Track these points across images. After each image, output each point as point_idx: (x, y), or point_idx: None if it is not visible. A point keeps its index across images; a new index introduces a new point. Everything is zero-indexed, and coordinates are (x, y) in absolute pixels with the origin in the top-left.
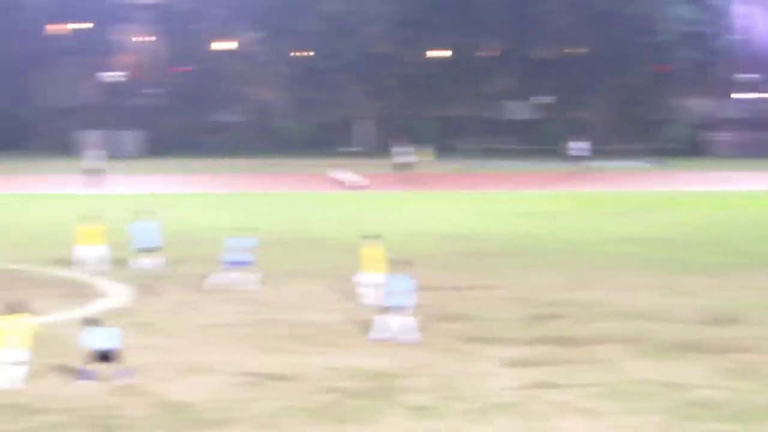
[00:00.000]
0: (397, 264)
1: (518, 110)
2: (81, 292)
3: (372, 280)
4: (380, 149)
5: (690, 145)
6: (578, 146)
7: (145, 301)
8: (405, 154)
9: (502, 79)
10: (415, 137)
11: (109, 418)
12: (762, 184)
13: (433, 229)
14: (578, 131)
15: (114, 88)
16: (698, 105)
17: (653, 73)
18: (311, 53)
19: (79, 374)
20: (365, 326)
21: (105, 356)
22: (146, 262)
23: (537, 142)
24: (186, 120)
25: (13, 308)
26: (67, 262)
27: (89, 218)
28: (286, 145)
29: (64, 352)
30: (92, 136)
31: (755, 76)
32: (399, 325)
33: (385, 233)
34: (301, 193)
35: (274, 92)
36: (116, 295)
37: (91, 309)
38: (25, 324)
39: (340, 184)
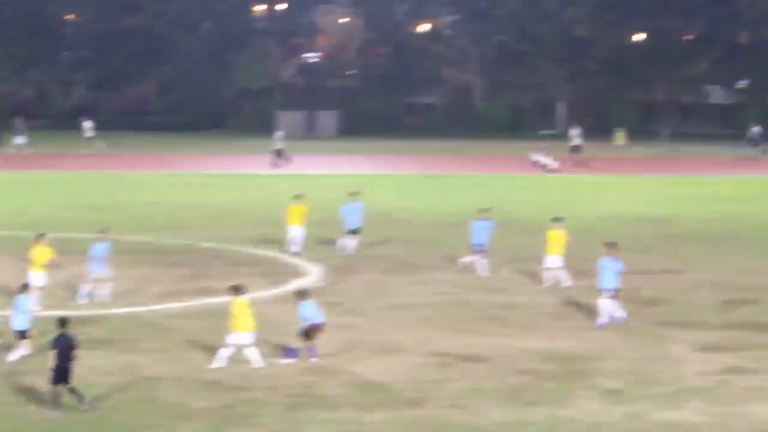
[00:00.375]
0: (610, 247)
1: (716, 95)
2: (277, 271)
3: (557, 263)
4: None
5: None
6: (756, 131)
7: (340, 281)
8: (577, 137)
9: (700, 63)
10: (612, 121)
11: (305, 396)
12: None
13: (625, 213)
14: None
15: (312, 68)
16: None
17: None
18: (509, 36)
19: (284, 353)
20: (558, 309)
21: (309, 331)
22: (350, 242)
23: (734, 126)
24: (383, 101)
25: (239, 290)
26: (262, 241)
27: (296, 198)
28: (483, 127)
29: (264, 330)
30: (290, 116)
31: None
32: (611, 307)
33: (578, 217)
34: (497, 174)
35: (472, 74)
36: (312, 274)
37: (288, 288)
38: (247, 305)
39: (538, 166)
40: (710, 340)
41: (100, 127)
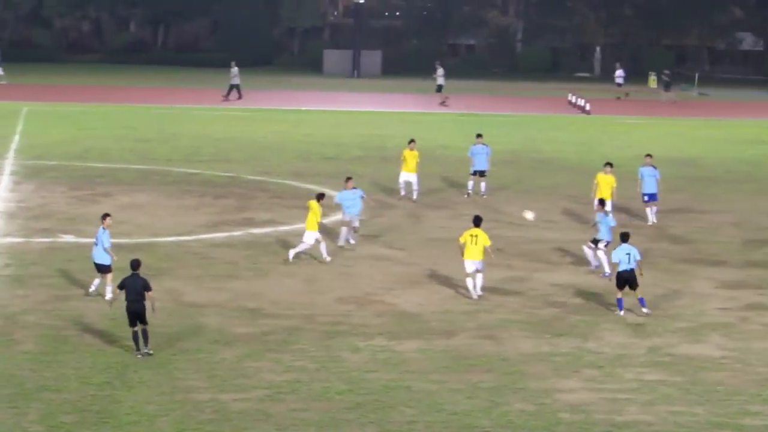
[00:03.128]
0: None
1: (748, 41)
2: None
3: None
4: (610, 75)
5: None
6: None
7: (377, 215)
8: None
9: (733, 11)
10: (647, 64)
11: (341, 325)
12: None
13: (658, 154)
14: None
15: (358, 9)
16: None
17: None
18: None
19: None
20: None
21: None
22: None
23: (765, 72)
24: (425, 42)
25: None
26: (305, 174)
27: (410, 142)
28: (522, 69)
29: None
30: (336, 55)
31: None
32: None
33: (610, 156)
34: (534, 115)
35: (513, 17)
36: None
37: (329, 220)
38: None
39: (575, 107)
40: (732, 278)
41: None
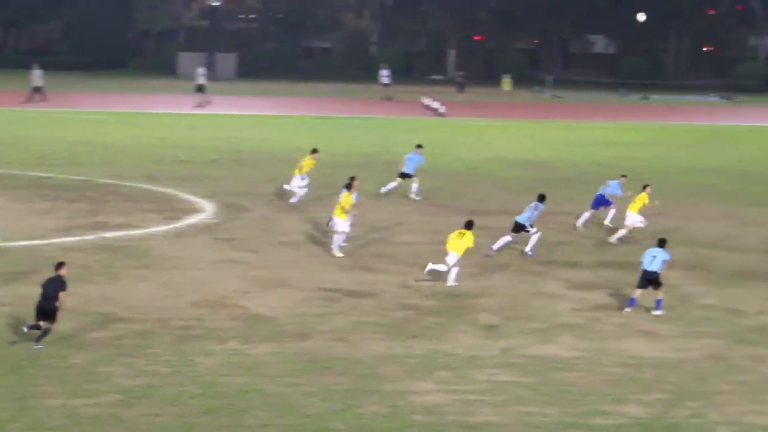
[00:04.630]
0: None
1: (601, 44)
2: (172, 207)
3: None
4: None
5: (764, 82)
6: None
7: (232, 218)
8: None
9: (585, 14)
10: (500, 67)
11: (194, 329)
12: None
13: (511, 156)
14: (655, 66)
15: (214, 11)
16: None
17: (733, 10)
18: None
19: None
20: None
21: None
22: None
23: (617, 75)
24: (281, 45)
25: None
26: (159, 178)
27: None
28: (377, 72)
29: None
30: (190, 58)
31: None
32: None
33: (464, 158)
34: (389, 117)
35: (368, 20)
36: (205, 211)
37: (183, 223)
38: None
39: (429, 110)
40: (584, 279)
41: (5, 65)
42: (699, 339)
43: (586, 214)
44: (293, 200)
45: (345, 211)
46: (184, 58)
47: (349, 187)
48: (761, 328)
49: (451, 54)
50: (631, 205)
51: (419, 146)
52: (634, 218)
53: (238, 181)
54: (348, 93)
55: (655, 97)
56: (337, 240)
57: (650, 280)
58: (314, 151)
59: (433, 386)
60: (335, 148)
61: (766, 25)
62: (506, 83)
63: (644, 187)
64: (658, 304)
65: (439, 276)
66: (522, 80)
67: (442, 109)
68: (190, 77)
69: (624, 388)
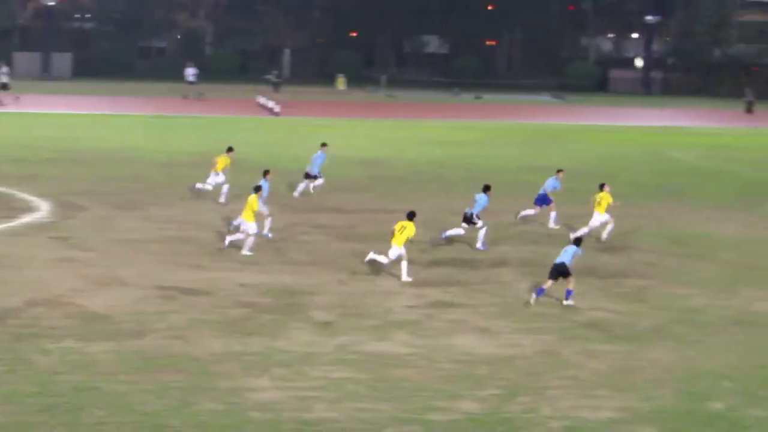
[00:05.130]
0: None
1: (434, 44)
2: (7, 206)
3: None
4: (299, 78)
5: (595, 82)
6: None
7: (68, 216)
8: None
9: (420, 13)
10: (334, 67)
11: (30, 327)
12: (655, 119)
13: (346, 155)
14: (488, 66)
15: (49, 11)
16: (605, 44)
17: (565, 11)
18: None
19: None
20: (280, 245)
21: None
22: (301, 185)
23: (450, 75)
24: (117, 45)
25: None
26: None
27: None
28: (213, 72)
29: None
30: (25, 57)
31: (657, 17)
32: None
33: (300, 157)
34: (224, 116)
35: (203, 20)
36: (41, 210)
37: (18, 222)
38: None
39: (264, 109)
40: (419, 276)
41: None
42: (532, 335)
43: (530, 211)
44: (222, 200)
45: (254, 213)
46: (19, 58)
47: (257, 189)
48: (593, 323)
49: (286, 53)
50: (597, 207)
51: (324, 144)
52: (598, 218)
53: (74, 181)
54: (183, 93)
55: (488, 97)
56: (248, 242)
57: (560, 271)
58: (229, 149)
59: (269, 383)
60: (171, 147)
61: (596, 26)
62: (340, 82)
63: (602, 187)
64: (568, 294)
65: (378, 267)
66: (357, 80)
67: (277, 108)
68: (27, 77)
69: (458, 384)
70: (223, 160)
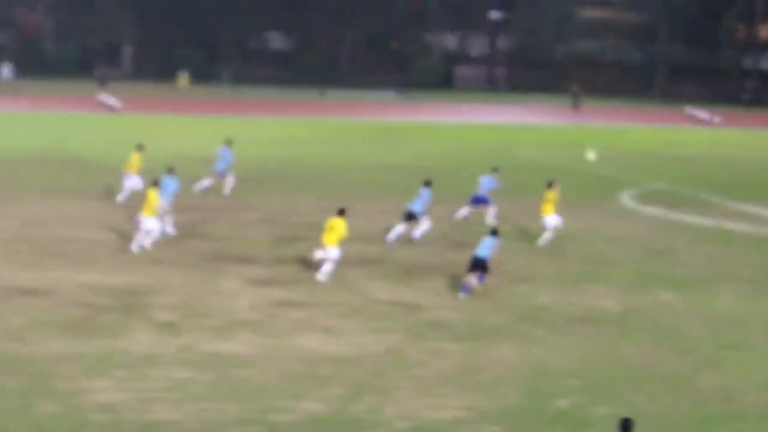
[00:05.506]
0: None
1: (278, 41)
2: None
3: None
4: (141, 74)
5: (440, 78)
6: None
7: None
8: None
9: (264, 10)
10: (177, 63)
11: None
12: (501, 116)
13: (184, 152)
14: (333, 62)
15: None
16: (450, 41)
17: (409, 9)
18: None
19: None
20: (119, 244)
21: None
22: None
23: (295, 71)
24: None
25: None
26: None
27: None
28: (53, 68)
29: None
30: None
31: (501, 13)
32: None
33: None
34: (64, 114)
35: (42, 16)
36: None
37: None
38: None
39: (105, 107)
40: (262, 275)
41: None
42: (376, 334)
43: (465, 210)
44: (119, 198)
45: (154, 210)
46: None
47: (155, 184)
48: (437, 322)
49: (128, 50)
50: (546, 207)
51: (228, 141)
52: (553, 219)
53: None
54: (23, 89)
55: (333, 94)
56: (147, 239)
57: (479, 265)
58: (139, 147)
59: (110, 384)
60: (8, 144)
61: (442, 23)
62: (183, 79)
63: (551, 185)
64: (481, 278)
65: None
66: (200, 77)
67: (118, 105)
68: None
69: (301, 384)
70: (137, 160)
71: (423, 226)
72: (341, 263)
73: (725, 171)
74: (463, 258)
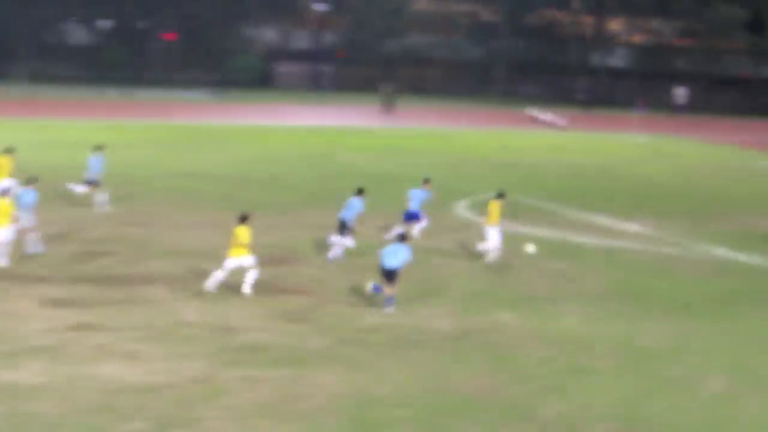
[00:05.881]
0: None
1: (78, 35)
2: None
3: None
4: None
5: (258, 76)
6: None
7: None
8: None
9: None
10: None
11: None
12: (325, 118)
13: None
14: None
15: None
16: (270, 35)
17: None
18: None
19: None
20: None
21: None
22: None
23: (101, 68)
24: None
25: None
26: None
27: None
28: None
29: None
30: None
31: (326, 5)
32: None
33: None
34: None
35: None
36: None
37: None
38: None
39: None
40: (59, 295)
41: None
42: (185, 361)
43: (400, 229)
44: None
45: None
46: None
47: (4, 192)
48: (252, 346)
49: None
50: (490, 219)
51: (99, 147)
52: (496, 234)
53: None
54: None
55: (141, 94)
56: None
57: (388, 276)
58: (8, 150)
59: None
60: None
61: (261, 15)
62: None
63: (499, 197)
64: (388, 302)
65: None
66: None
67: None
68: None
69: (101, 417)
70: (6, 161)
71: (345, 240)
72: (147, 280)
73: (569, 178)
74: (282, 276)
